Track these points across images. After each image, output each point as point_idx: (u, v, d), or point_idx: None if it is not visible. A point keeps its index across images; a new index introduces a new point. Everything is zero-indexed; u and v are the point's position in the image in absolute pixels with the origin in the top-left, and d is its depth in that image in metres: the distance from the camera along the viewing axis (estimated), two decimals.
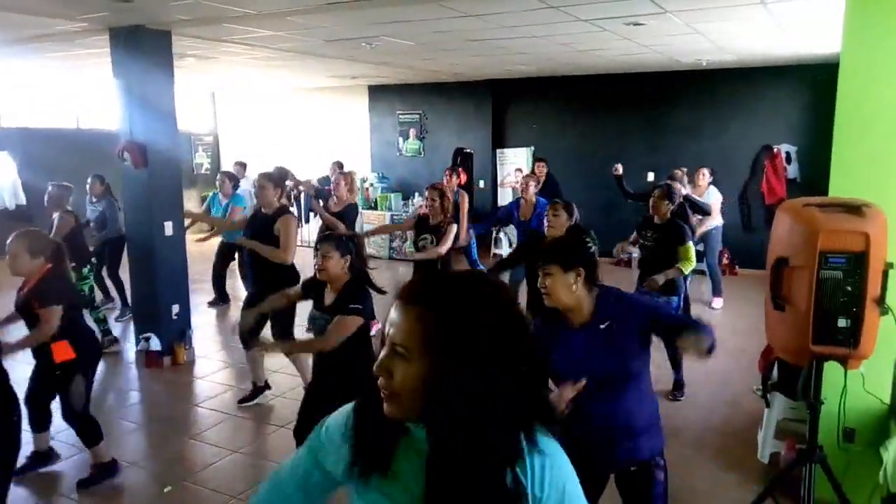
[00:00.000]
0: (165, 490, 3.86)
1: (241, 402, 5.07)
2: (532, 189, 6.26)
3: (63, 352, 3.57)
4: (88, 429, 3.87)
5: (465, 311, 1.10)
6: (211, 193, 8.27)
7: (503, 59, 8.45)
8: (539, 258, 2.44)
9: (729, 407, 5.04)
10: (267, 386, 5.14)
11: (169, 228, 6.01)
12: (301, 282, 3.62)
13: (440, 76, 10.57)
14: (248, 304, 4.78)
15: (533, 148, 10.96)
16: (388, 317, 1.15)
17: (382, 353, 1.13)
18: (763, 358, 3.93)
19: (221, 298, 7.90)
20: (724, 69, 9.22)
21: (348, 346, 3.18)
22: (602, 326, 2.39)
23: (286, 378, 5.44)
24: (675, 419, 4.63)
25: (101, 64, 8.17)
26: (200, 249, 7.50)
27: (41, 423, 4.02)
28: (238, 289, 7.99)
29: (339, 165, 9.62)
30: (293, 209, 7.97)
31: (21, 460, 3.68)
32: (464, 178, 10.79)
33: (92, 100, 11.35)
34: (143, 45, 5.76)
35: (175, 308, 6.09)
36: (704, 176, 7.77)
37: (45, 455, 4.10)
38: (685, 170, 7.95)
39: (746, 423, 4.62)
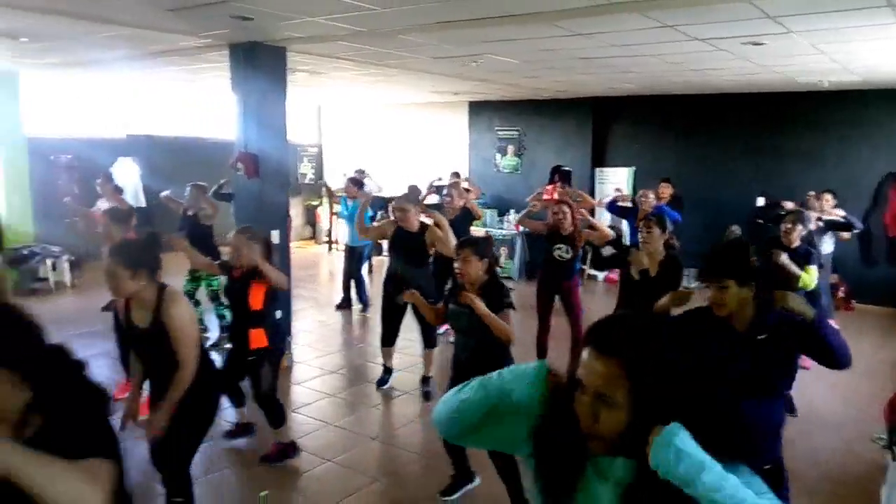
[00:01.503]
0: (262, 494, 3.96)
1: (378, 383, 5.66)
2: (651, 201, 6.79)
3: (259, 339, 3.96)
4: (275, 411, 4.20)
5: (660, 361, 1.21)
6: (341, 197, 8.77)
7: (608, 78, 8.30)
8: (714, 272, 2.54)
9: (845, 454, 4.67)
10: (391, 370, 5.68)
11: (276, 237, 6.22)
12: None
13: (540, 93, 10.50)
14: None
15: (634, 168, 10.68)
16: (582, 360, 1.25)
17: (586, 400, 1.23)
18: (891, 407, 3.61)
19: (348, 303, 8.24)
20: (846, 90, 8.68)
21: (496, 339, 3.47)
22: (760, 338, 2.51)
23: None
24: (787, 461, 4.33)
25: (219, 77, 8.62)
26: (295, 256, 7.82)
27: (237, 399, 4.55)
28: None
29: (457, 175, 9.80)
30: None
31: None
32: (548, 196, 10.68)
33: (209, 110, 11.99)
34: (259, 61, 6.02)
35: (277, 314, 6.28)
36: (828, 201, 7.33)
37: (245, 426, 4.67)
38: (813, 193, 7.51)
39: (865, 472, 4.28)
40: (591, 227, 5.80)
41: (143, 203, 9.98)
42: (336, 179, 13.55)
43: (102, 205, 7.77)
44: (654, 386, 1.20)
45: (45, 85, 9.62)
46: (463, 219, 6.61)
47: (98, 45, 6.45)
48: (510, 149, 11.87)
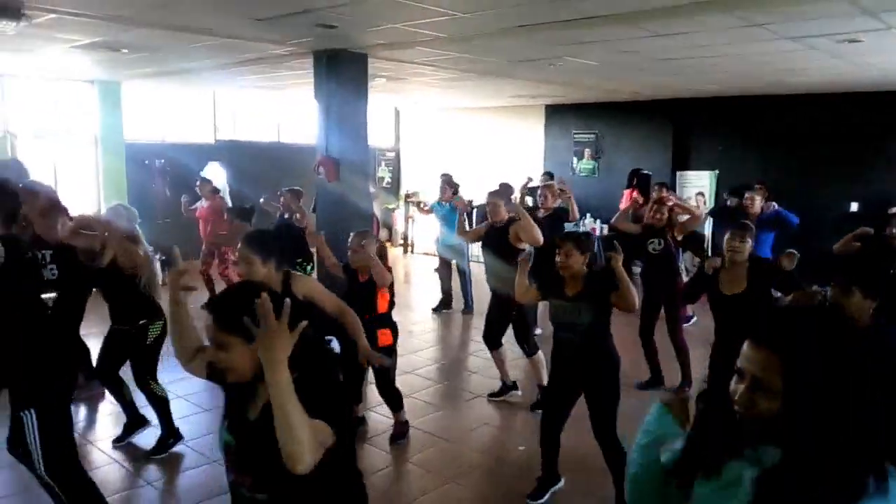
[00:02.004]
0: (520, 448, 4.20)
1: (490, 395, 5.54)
2: (759, 203, 6.59)
3: (385, 338, 4.30)
4: (396, 398, 4.63)
5: (821, 356, 1.24)
6: (434, 202, 8.88)
7: (690, 79, 8.09)
8: (845, 278, 2.56)
9: None
10: (514, 386, 5.53)
11: (350, 240, 6.38)
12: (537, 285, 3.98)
13: (619, 95, 10.33)
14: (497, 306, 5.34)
15: (717, 171, 10.35)
16: (742, 351, 1.32)
17: (743, 386, 1.30)
18: None
19: (446, 304, 8.40)
20: None
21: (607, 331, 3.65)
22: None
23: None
24: None
25: (301, 84, 8.90)
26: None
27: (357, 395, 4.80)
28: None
29: (550, 176, 9.85)
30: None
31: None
32: (639, 199, 10.46)
33: (292, 117, 12.39)
34: (341, 67, 6.19)
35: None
36: None
37: (360, 420, 4.91)
38: None
39: None
40: (683, 210, 5.91)
41: (229, 205, 10.39)
42: (413, 184, 13.77)
43: (202, 205, 8.20)
44: (807, 378, 1.24)
45: (141, 93, 10.18)
46: (555, 219, 6.54)
47: (191, 55, 6.78)
48: (587, 152, 11.72)
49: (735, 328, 3.96)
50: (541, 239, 5.05)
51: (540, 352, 5.30)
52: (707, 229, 9.26)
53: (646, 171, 10.90)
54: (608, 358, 3.64)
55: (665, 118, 10.78)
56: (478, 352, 6.05)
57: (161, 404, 4.45)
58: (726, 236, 4.19)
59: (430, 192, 12.52)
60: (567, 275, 3.64)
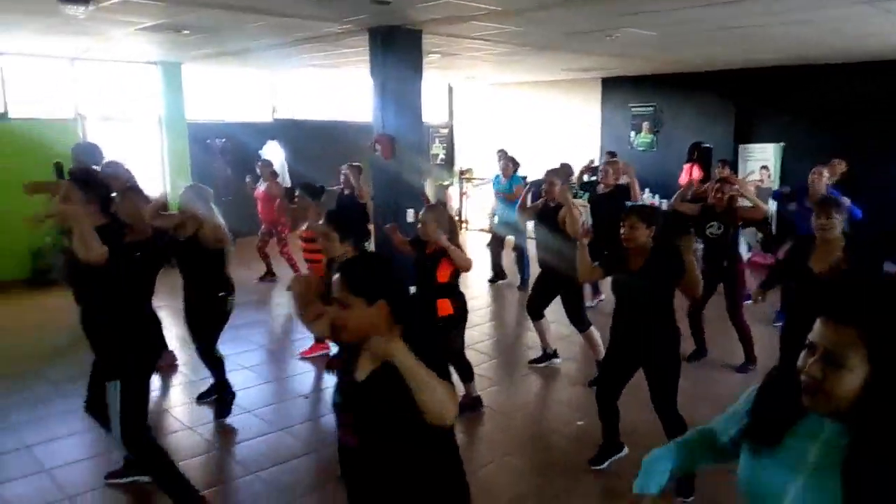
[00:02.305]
0: (579, 423, 4.30)
1: (530, 362, 5.68)
2: (825, 181, 6.20)
3: (445, 308, 4.30)
4: (464, 368, 4.64)
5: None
6: (494, 175, 8.88)
7: (755, 48, 7.79)
8: None
9: None
10: (555, 354, 5.68)
11: (410, 215, 6.44)
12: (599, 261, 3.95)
13: (678, 67, 10.04)
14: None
15: (783, 144, 9.99)
16: (815, 327, 1.31)
17: (813, 359, 1.29)
18: None
19: (499, 276, 8.50)
20: None
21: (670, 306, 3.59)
22: None
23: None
24: None
25: (356, 62, 8.96)
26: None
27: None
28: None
29: (612, 154, 9.71)
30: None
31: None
32: (699, 174, 10.21)
33: (347, 94, 12.51)
34: (396, 44, 6.20)
35: (412, 290, 6.53)
36: None
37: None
38: None
39: None
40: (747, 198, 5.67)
41: (287, 183, 10.59)
42: (467, 160, 13.75)
43: (261, 185, 8.43)
44: (888, 356, 1.22)
45: (201, 74, 10.42)
46: (616, 196, 6.44)
47: (249, 35, 6.90)
48: (645, 126, 11.47)
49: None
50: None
51: (593, 327, 5.30)
52: (771, 207, 8.95)
53: (707, 145, 10.62)
54: (670, 332, 3.60)
55: (727, 89, 10.42)
56: (523, 322, 6.06)
57: (218, 365, 4.71)
58: (812, 218, 3.99)
59: (484, 168, 12.50)
60: (631, 247, 3.59)
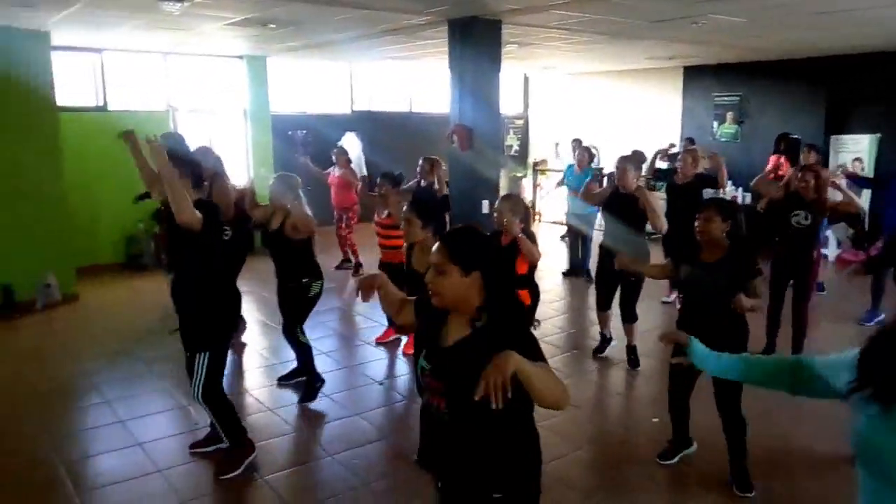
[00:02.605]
0: (654, 420, 4.33)
1: (595, 351, 5.72)
2: None
3: (523, 299, 4.30)
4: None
5: None
6: (567, 165, 8.80)
7: (848, 33, 7.37)
8: None
9: None
10: (610, 339, 5.73)
11: (485, 206, 6.45)
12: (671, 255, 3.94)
13: (765, 54, 9.62)
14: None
15: (879, 135, 9.44)
16: None
17: None
18: None
19: (574, 270, 8.46)
20: None
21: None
22: None
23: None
24: None
25: (434, 53, 9.02)
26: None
27: None
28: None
29: (691, 141, 9.45)
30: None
31: None
32: (786, 165, 9.77)
33: (423, 86, 12.61)
34: (475, 35, 6.20)
35: None
36: None
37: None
38: None
39: None
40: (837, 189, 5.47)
41: (364, 173, 10.79)
42: (542, 151, 13.63)
43: (335, 172, 8.64)
44: None
45: (284, 67, 10.72)
46: (695, 187, 6.25)
47: (332, 28, 7.05)
48: (729, 116, 11.06)
49: None
50: (663, 227, 5.15)
51: (637, 324, 5.40)
52: (865, 202, 8.49)
53: (795, 136, 10.12)
54: (738, 328, 3.54)
55: (818, 77, 9.92)
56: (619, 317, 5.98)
57: (305, 351, 4.85)
58: None
59: (558, 160, 12.35)
60: (704, 240, 3.54)
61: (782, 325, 5.55)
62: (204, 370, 3.61)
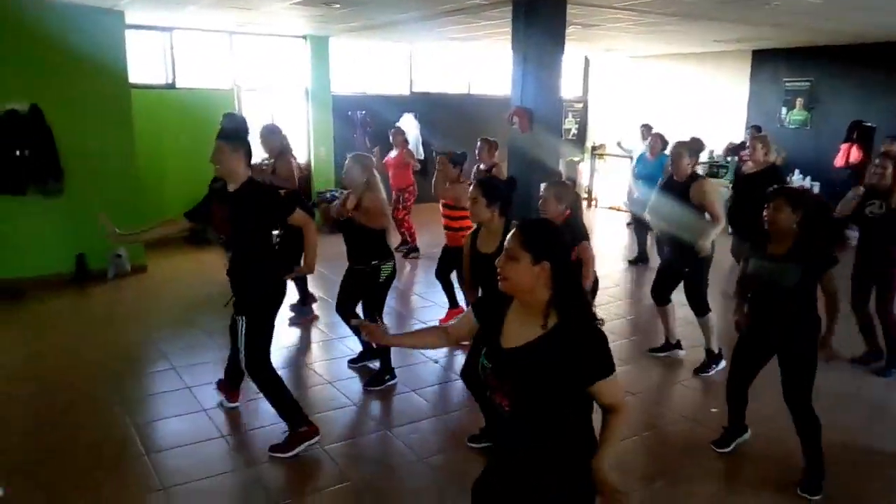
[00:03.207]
0: (713, 410, 4.27)
1: (651, 350, 5.49)
2: None
3: None
4: None
5: None
6: (638, 153, 8.65)
7: None
8: None
9: None
10: (677, 345, 5.42)
11: (542, 189, 6.39)
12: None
13: (839, 38, 9.21)
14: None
15: None
16: None
17: None
18: None
19: (641, 259, 8.35)
20: None
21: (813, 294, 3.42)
22: None
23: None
24: None
25: (495, 34, 8.96)
26: None
27: None
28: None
29: (757, 129, 9.17)
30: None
31: None
32: (858, 155, 9.39)
33: (481, 68, 12.54)
34: (540, 16, 6.12)
35: None
36: None
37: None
38: None
39: None
40: None
41: (421, 155, 10.84)
42: (600, 136, 13.42)
43: (392, 153, 8.70)
44: None
45: (345, 48, 10.82)
46: (766, 178, 5.83)
47: (395, 8, 7.07)
48: (799, 101, 10.68)
49: None
50: (722, 220, 4.89)
51: (711, 314, 5.05)
52: None
53: (869, 124, 9.72)
54: (810, 321, 3.42)
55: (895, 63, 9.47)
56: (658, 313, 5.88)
57: (383, 348, 4.75)
58: None
59: (621, 149, 12.14)
60: (773, 231, 3.44)
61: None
62: (244, 337, 3.66)
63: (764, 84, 11.12)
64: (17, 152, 6.65)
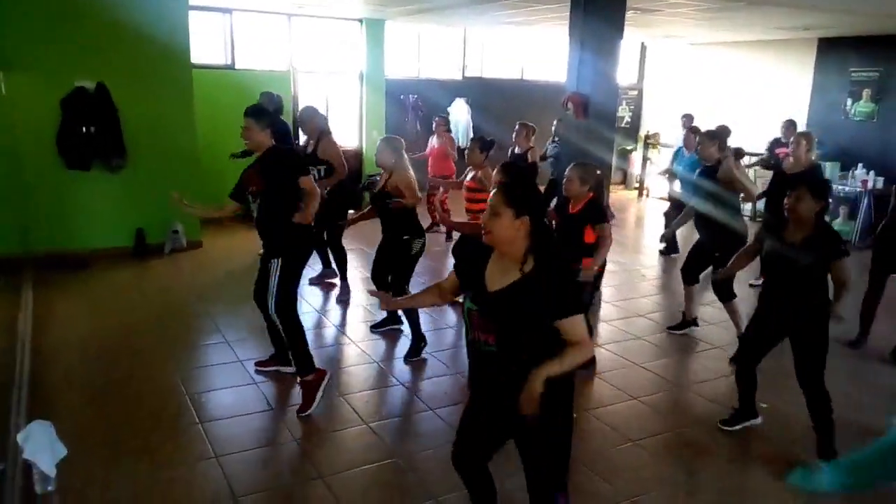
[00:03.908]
0: (764, 407, 4.21)
1: (669, 328, 5.72)
2: None
3: (585, 265, 4.33)
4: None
5: None
6: (676, 147, 8.51)
7: None
8: None
9: None
10: (695, 322, 5.67)
11: (567, 169, 6.32)
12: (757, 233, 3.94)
13: None
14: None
15: None
16: None
17: None
18: None
19: (671, 248, 8.28)
20: None
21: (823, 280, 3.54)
22: None
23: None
24: None
25: (551, 19, 8.86)
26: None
27: None
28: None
29: (792, 124, 8.89)
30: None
31: None
32: None
33: (535, 54, 12.42)
34: (599, 1, 6.04)
35: None
36: None
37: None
38: None
39: None
40: None
41: (458, 145, 10.80)
42: (654, 125, 13.17)
43: (434, 141, 8.74)
44: None
45: (400, 32, 10.85)
46: (810, 178, 5.87)
47: None
48: (866, 93, 10.26)
49: None
50: (754, 194, 5.26)
51: (736, 300, 5.26)
52: None
53: None
54: (821, 305, 3.53)
55: None
56: (712, 302, 5.80)
57: (411, 312, 5.00)
58: None
59: (668, 134, 11.91)
60: (793, 218, 3.55)
61: (878, 317, 5.40)
62: (276, 279, 3.99)
63: (829, 74, 10.72)
64: (84, 129, 6.91)
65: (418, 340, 5.02)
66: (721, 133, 5.82)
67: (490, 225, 2.20)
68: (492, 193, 2.24)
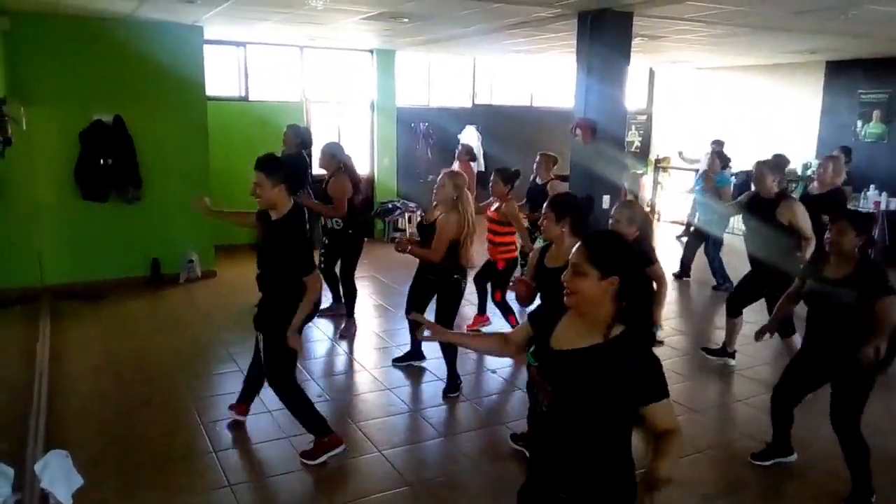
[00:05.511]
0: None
1: (703, 349, 5.72)
2: None
3: None
4: None
5: None
6: (700, 171, 8.53)
7: None
8: None
9: None
10: (732, 355, 5.52)
11: (606, 202, 6.35)
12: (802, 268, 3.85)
13: None
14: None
15: None
16: None
17: None
18: None
19: (685, 273, 8.23)
20: None
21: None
22: None
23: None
24: None
25: (559, 47, 8.96)
26: None
27: None
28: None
29: (846, 151, 8.88)
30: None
31: None
32: None
33: (543, 81, 12.54)
34: (605, 28, 6.11)
35: None
36: None
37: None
38: None
39: None
40: None
41: (482, 167, 10.90)
42: (664, 148, 13.21)
43: (456, 167, 8.81)
44: None
45: (410, 61, 11.00)
46: (830, 200, 5.74)
47: (461, 22, 7.17)
48: (876, 114, 10.25)
49: None
50: (812, 240, 4.85)
51: (741, 318, 5.38)
52: None
53: None
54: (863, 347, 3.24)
55: None
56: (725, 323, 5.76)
57: (450, 354, 4.83)
58: None
59: (677, 155, 11.92)
60: (835, 252, 3.38)
61: None
62: (266, 353, 3.79)
63: (838, 96, 10.73)
64: (101, 161, 7.03)
65: (455, 378, 4.85)
66: (781, 164, 5.70)
67: (573, 286, 1.95)
68: (574, 249, 1.99)
